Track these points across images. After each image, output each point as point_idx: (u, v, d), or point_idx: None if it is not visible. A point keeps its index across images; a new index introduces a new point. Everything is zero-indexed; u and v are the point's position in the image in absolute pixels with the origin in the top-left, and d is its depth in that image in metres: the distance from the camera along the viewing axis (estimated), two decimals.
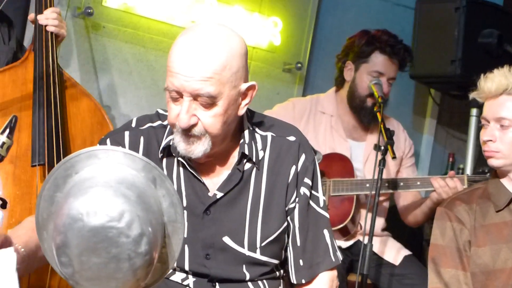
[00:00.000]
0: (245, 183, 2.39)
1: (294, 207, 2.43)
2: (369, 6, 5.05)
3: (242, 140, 2.38)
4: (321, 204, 2.47)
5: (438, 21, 4.58)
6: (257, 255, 2.40)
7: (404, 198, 4.00)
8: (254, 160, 2.37)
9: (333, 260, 2.46)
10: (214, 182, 2.39)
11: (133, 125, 2.43)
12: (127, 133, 2.40)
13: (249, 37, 4.50)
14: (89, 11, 3.96)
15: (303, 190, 2.42)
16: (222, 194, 2.36)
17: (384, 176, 3.85)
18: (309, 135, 3.90)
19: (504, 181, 2.82)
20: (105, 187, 1.64)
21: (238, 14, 4.45)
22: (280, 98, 4.58)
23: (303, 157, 2.42)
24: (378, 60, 3.89)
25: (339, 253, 2.50)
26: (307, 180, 2.42)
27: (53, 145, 3.07)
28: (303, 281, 2.45)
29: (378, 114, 3.47)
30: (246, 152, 2.36)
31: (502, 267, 2.71)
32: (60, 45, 3.36)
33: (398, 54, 3.89)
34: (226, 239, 2.38)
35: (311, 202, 2.44)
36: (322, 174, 3.80)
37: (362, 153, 3.95)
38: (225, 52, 2.18)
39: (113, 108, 4.12)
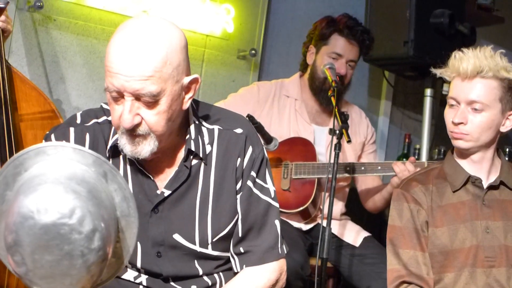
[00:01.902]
0: (193, 179, 2.35)
1: (239, 199, 2.40)
2: None
3: (188, 136, 2.33)
4: (272, 195, 2.45)
5: (389, 3, 4.57)
6: (209, 251, 2.38)
7: (364, 182, 4.03)
8: (201, 155, 2.33)
9: (280, 252, 2.45)
10: (161, 179, 2.35)
11: (78, 121, 2.36)
12: (72, 129, 2.34)
13: (202, 25, 4.48)
14: (39, 4, 3.88)
15: (249, 182, 2.39)
16: (170, 192, 2.33)
17: (345, 161, 3.88)
18: (274, 119, 3.93)
19: (462, 161, 2.82)
20: (55, 184, 1.61)
21: (190, 2, 4.40)
22: (236, 85, 4.57)
23: (250, 150, 2.39)
24: (337, 42, 3.91)
25: (285, 246, 2.48)
26: (253, 173, 2.39)
27: (5, 142, 3.02)
28: (247, 267, 2.42)
29: (332, 98, 3.46)
30: (193, 148, 2.32)
31: (460, 247, 2.72)
32: (6, 41, 3.30)
33: (355, 35, 3.90)
34: (177, 237, 2.35)
35: (259, 194, 2.41)
36: (283, 158, 3.81)
37: (325, 138, 3.96)
38: (164, 48, 2.11)
39: (66, 101, 4.06)
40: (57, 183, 1.61)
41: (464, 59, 2.70)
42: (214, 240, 2.38)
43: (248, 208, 2.40)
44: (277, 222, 2.44)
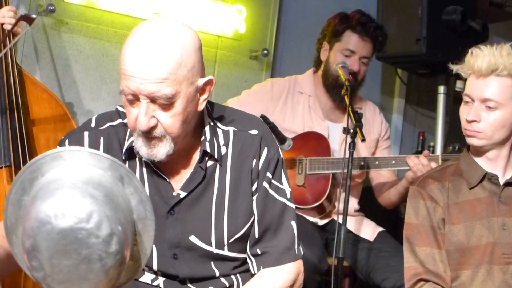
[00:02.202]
0: (209, 181, 2.34)
1: (255, 200, 2.39)
2: None
3: (203, 137, 2.33)
4: (288, 196, 2.44)
5: (401, 0, 4.56)
6: (225, 252, 2.38)
7: (379, 177, 4.01)
8: (216, 157, 2.33)
9: (296, 253, 2.43)
10: (177, 181, 2.35)
11: (93, 125, 2.36)
12: (86, 134, 2.34)
13: (214, 26, 4.48)
14: (51, 8, 3.90)
15: (264, 184, 2.38)
16: (185, 193, 2.32)
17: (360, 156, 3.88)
18: (287, 115, 3.92)
19: (477, 159, 2.80)
20: (72, 188, 1.61)
21: (201, 3, 4.40)
22: (248, 85, 4.55)
23: (265, 151, 2.38)
24: (350, 39, 3.90)
25: (302, 247, 2.46)
26: (269, 174, 2.38)
27: (18, 146, 3.04)
28: (264, 269, 2.40)
29: (345, 97, 3.45)
30: (208, 149, 2.31)
31: (477, 244, 2.71)
32: (16, 44, 3.31)
33: (368, 32, 3.89)
34: (193, 238, 2.34)
35: (275, 195, 2.40)
36: (298, 153, 3.80)
37: (339, 135, 3.94)
38: (179, 49, 2.11)
39: (79, 105, 4.07)
40: (74, 187, 1.61)
41: (480, 57, 2.68)
42: (230, 241, 2.37)
43: (264, 210, 2.38)
44: (293, 223, 2.43)
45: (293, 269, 2.42)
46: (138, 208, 1.72)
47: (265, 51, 4.65)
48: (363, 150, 3.95)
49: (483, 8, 4.99)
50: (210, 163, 2.34)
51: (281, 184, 2.42)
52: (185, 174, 2.34)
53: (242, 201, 2.37)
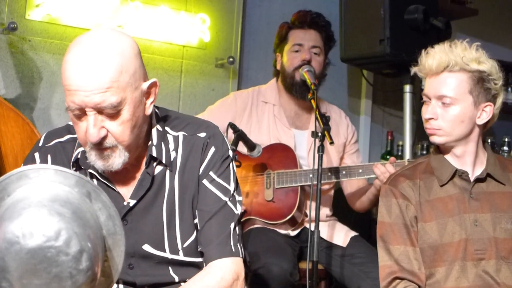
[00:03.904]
0: (159, 187, 2.33)
1: (198, 198, 2.36)
2: None
3: (150, 142, 2.32)
4: (230, 197, 2.37)
5: (363, 2, 4.55)
6: (181, 257, 2.35)
7: (349, 185, 3.99)
8: (164, 162, 2.32)
9: (233, 250, 2.32)
10: (129, 189, 2.33)
11: (41, 143, 2.38)
12: (36, 155, 2.36)
13: (178, 36, 4.46)
14: (13, 26, 3.86)
15: (205, 181, 2.35)
16: (135, 201, 2.30)
17: (328, 163, 3.86)
18: (253, 126, 3.90)
19: (446, 156, 2.82)
20: (39, 207, 1.59)
21: (164, 14, 4.39)
22: (216, 94, 4.56)
23: (211, 150, 2.37)
24: (294, 35, 3.96)
25: (241, 248, 2.36)
26: (212, 172, 2.36)
27: None
28: (205, 265, 2.32)
29: (312, 101, 3.45)
30: (154, 154, 2.31)
31: (450, 241, 2.71)
32: None
33: (307, 21, 3.95)
34: (146, 247, 2.33)
35: (216, 191, 2.36)
36: (265, 167, 3.78)
37: (305, 141, 3.94)
38: (118, 57, 2.11)
39: (46, 121, 4.03)
40: (41, 206, 1.59)
41: (431, 55, 2.72)
42: (184, 246, 2.35)
43: (202, 206, 2.35)
44: (232, 225, 2.36)
45: (231, 268, 2.31)
46: (107, 224, 1.70)
47: (231, 59, 4.63)
48: (332, 154, 3.94)
49: (445, 6, 5.03)
50: (159, 168, 2.33)
51: (226, 183, 2.39)
52: (134, 182, 2.33)
53: (191, 204, 2.35)
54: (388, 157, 5.02)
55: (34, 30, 4.01)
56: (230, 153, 2.43)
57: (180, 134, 2.38)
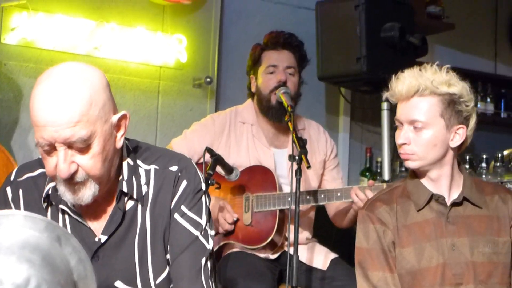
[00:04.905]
0: (130, 222, 2.29)
1: (169, 232, 2.33)
2: (271, 11, 5.04)
3: (120, 177, 2.28)
4: (202, 231, 2.34)
5: (339, 20, 4.56)
6: None
7: (330, 207, 3.96)
8: (135, 196, 2.28)
9: (204, 286, 2.30)
10: (100, 224, 2.29)
11: (12, 177, 2.35)
12: (8, 189, 2.33)
13: (155, 57, 4.46)
14: None
15: (176, 215, 2.32)
16: (106, 237, 2.27)
17: (307, 183, 3.83)
18: (232, 148, 3.87)
19: (422, 180, 2.80)
20: (7, 255, 1.55)
21: (141, 35, 4.38)
22: (194, 114, 4.54)
23: (183, 184, 2.33)
24: (268, 57, 3.91)
25: (211, 282, 2.33)
26: (183, 207, 2.32)
27: None
28: None
29: (289, 124, 3.43)
30: (125, 189, 2.27)
31: (428, 266, 2.70)
32: None
33: (280, 42, 3.90)
34: (118, 284, 2.29)
35: (187, 225, 2.32)
36: (244, 189, 3.75)
37: (285, 161, 3.87)
38: (87, 90, 2.08)
39: (23, 146, 3.99)
40: (10, 253, 1.55)
41: (400, 81, 2.71)
42: (157, 282, 2.31)
43: (173, 241, 2.32)
44: (203, 261, 2.33)
45: None
46: (78, 268, 1.67)
47: (208, 79, 4.61)
48: (311, 174, 3.91)
49: (421, 22, 5.06)
50: (131, 203, 2.30)
51: (198, 216, 2.35)
52: (106, 216, 2.29)
53: (163, 239, 2.32)
54: (367, 174, 5.04)
55: (9, 54, 3.99)
56: (203, 186, 2.39)
57: (152, 167, 2.35)
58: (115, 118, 2.19)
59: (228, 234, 3.73)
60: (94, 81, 2.12)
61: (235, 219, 3.67)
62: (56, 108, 2.04)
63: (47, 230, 1.64)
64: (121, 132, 2.23)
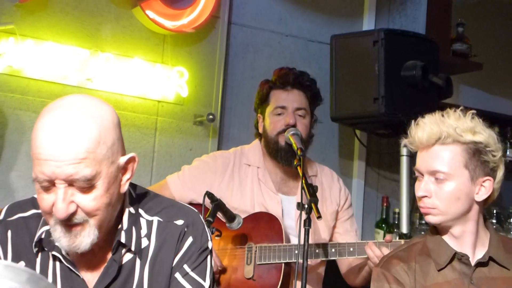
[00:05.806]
0: (127, 277, 2.28)
1: None
2: (281, 44, 5.06)
3: (120, 226, 2.27)
4: None
5: (356, 56, 4.56)
6: None
7: (342, 262, 3.94)
8: (133, 249, 2.27)
9: None
10: (94, 276, 2.28)
11: (1, 217, 2.33)
12: None
13: (153, 90, 4.47)
14: None
15: (177, 274, 2.31)
16: None
17: (317, 235, 3.80)
18: (235, 191, 3.85)
19: (444, 236, 2.78)
20: None
21: (138, 66, 4.39)
22: (194, 154, 4.53)
23: (189, 241, 2.33)
24: (276, 97, 3.92)
25: None
26: (186, 266, 2.32)
27: None
28: None
29: (298, 168, 3.42)
30: (123, 240, 2.26)
31: None
32: None
33: (289, 81, 3.90)
34: None
35: (187, 286, 2.31)
36: (247, 239, 3.72)
37: (294, 208, 3.86)
38: (97, 126, 2.09)
39: (4, 184, 3.99)
40: None
41: (421, 127, 2.71)
42: None
43: None
44: None
45: None
46: None
47: (211, 116, 4.61)
48: (321, 225, 3.89)
49: (446, 60, 5.05)
50: (128, 256, 2.29)
51: (202, 278, 2.35)
52: (101, 268, 2.28)
53: None
54: (383, 226, 5.02)
55: None
56: (210, 244, 2.39)
57: (155, 219, 2.34)
58: (122, 160, 2.19)
59: None
60: (104, 118, 2.12)
61: (219, 268, 3.64)
62: (62, 142, 2.03)
63: (30, 282, 1.63)
64: (127, 175, 2.23)
